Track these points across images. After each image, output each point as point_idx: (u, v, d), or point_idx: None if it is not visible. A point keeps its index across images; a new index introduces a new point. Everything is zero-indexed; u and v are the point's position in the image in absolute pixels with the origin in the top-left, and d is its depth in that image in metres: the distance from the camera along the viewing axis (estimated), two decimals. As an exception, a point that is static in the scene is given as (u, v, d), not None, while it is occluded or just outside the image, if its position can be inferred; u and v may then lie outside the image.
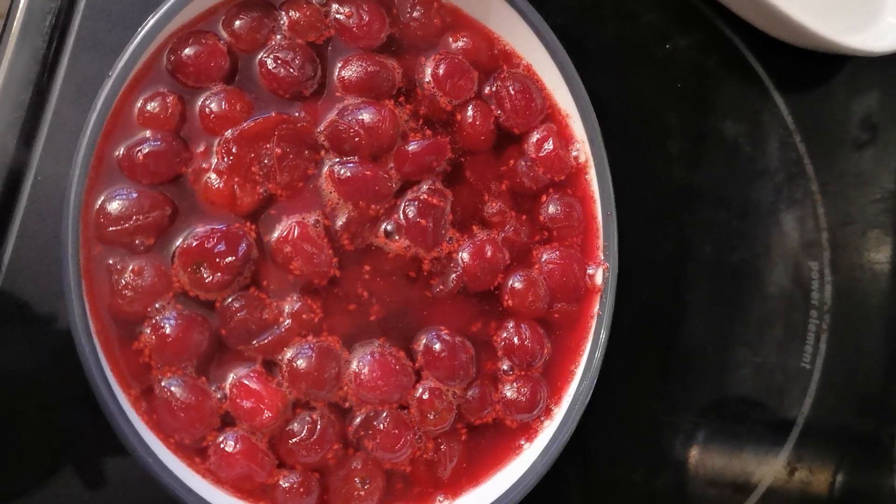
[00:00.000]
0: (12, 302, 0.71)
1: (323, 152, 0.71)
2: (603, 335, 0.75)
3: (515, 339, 0.74)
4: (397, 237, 0.72)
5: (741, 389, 0.94)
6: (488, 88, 0.77)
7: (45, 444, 0.71)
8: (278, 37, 0.71)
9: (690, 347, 0.92)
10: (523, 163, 0.77)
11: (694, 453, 0.91)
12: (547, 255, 0.77)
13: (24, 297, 0.71)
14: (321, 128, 0.71)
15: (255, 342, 0.67)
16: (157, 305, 0.66)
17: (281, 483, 0.67)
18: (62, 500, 0.71)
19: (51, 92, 0.74)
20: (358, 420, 0.69)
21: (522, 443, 0.74)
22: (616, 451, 0.88)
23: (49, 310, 0.71)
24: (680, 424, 0.91)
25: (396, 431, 0.69)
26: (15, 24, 0.74)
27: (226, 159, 0.67)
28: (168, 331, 0.65)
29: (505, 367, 0.75)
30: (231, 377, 0.67)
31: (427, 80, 0.75)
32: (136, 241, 0.65)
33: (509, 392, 0.74)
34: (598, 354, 0.75)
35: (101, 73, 0.65)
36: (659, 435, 0.90)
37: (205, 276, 0.66)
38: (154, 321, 0.65)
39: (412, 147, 0.72)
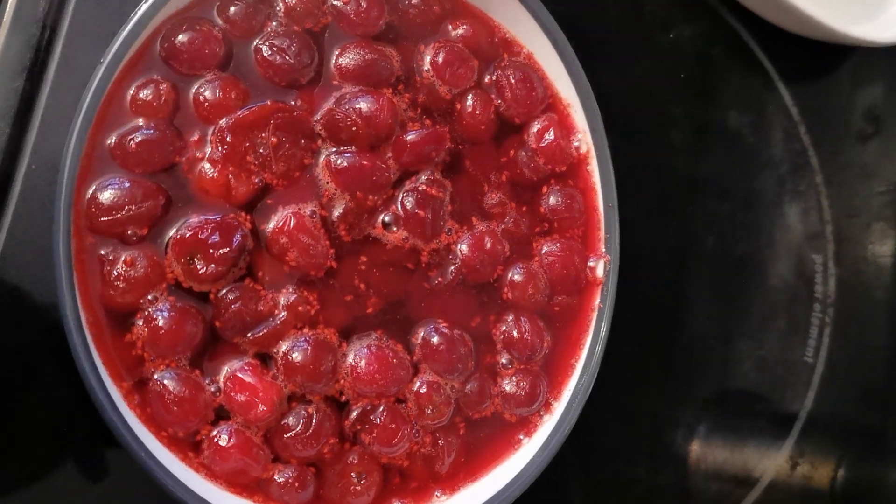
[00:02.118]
0: (6, 293, 0.70)
1: (320, 141, 0.70)
2: (604, 328, 0.75)
3: (515, 333, 0.74)
4: (395, 228, 0.71)
5: (743, 383, 0.94)
6: (488, 77, 0.76)
7: (40, 437, 0.70)
8: (274, 23, 0.70)
9: (692, 340, 0.92)
10: (524, 153, 0.76)
11: (695, 447, 0.90)
12: (547, 247, 0.76)
13: (17, 287, 0.70)
14: (318, 117, 0.70)
15: (249, 335, 0.67)
16: (149, 297, 0.65)
17: (276, 477, 0.66)
18: (57, 494, 0.70)
19: (44, 79, 0.73)
20: (354, 414, 0.69)
21: (521, 437, 0.74)
22: (617, 446, 0.88)
23: (42, 301, 0.70)
24: (681, 418, 0.90)
25: (394, 425, 0.69)
26: (7, 9, 0.73)
27: (220, 148, 0.67)
28: (161, 323, 0.64)
29: (504, 361, 0.74)
30: (225, 370, 0.66)
31: (426, 68, 0.74)
32: (129, 232, 0.65)
33: (508, 386, 0.73)
34: (599, 348, 0.74)
35: (97, 60, 0.64)
36: (660, 429, 0.90)
37: (199, 267, 0.65)
38: (147, 313, 0.64)
39: (411, 137, 0.71)
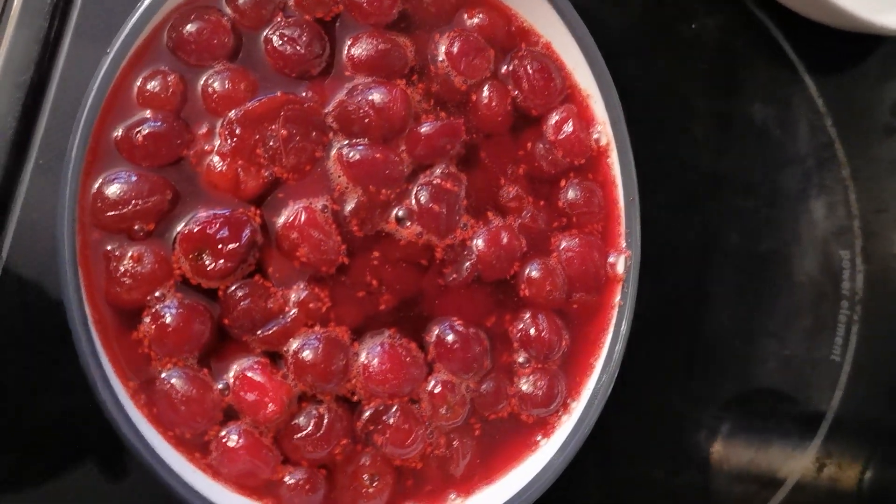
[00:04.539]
0: (13, 289, 0.70)
1: (331, 134, 0.69)
2: (624, 327, 0.73)
3: (532, 331, 0.72)
4: (409, 223, 0.70)
5: (768, 382, 0.93)
6: (505, 67, 0.75)
7: (49, 438, 0.71)
8: (284, 13, 0.69)
9: (715, 339, 0.91)
10: (541, 146, 0.75)
11: (718, 448, 0.89)
12: (566, 243, 0.74)
13: (24, 284, 0.71)
14: (329, 108, 0.69)
15: (259, 332, 0.66)
16: (157, 294, 0.64)
17: (286, 480, 0.66)
18: (64, 496, 0.71)
19: (52, 73, 0.73)
20: (367, 414, 0.68)
21: (539, 439, 0.73)
22: (637, 447, 0.87)
23: (50, 297, 0.70)
24: (704, 419, 0.89)
25: (407, 426, 0.68)
26: (16, 1, 0.72)
27: (229, 141, 0.66)
28: (168, 320, 0.63)
29: (521, 360, 0.73)
30: (234, 369, 0.65)
31: (441, 58, 0.72)
32: (136, 227, 0.64)
33: (525, 386, 0.72)
34: (619, 347, 0.73)
35: (106, 52, 0.64)
36: (682, 430, 0.89)
37: (207, 263, 0.64)
38: (154, 310, 0.64)
39: (425, 129, 0.70)
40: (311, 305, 0.67)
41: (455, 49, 0.72)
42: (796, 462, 0.92)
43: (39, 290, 0.70)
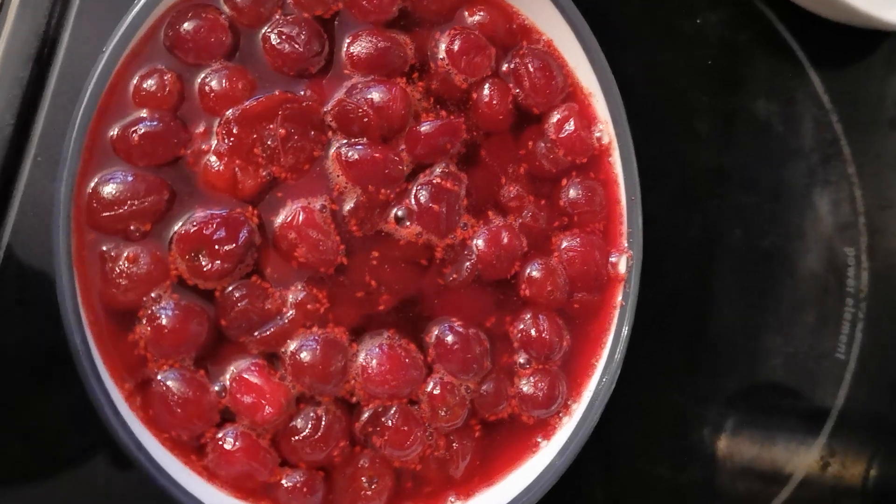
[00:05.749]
0: (11, 288, 0.70)
1: (330, 133, 0.68)
2: (626, 327, 0.73)
3: (533, 331, 0.72)
4: (408, 223, 0.70)
5: (772, 379, 0.92)
6: (506, 66, 0.74)
7: (44, 439, 0.71)
8: (283, 10, 0.69)
9: (718, 336, 0.90)
10: (543, 144, 0.74)
11: (722, 446, 0.89)
12: (567, 242, 0.74)
13: (22, 283, 0.70)
14: (328, 107, 0.68)
15: (256, 334, 0.66)
16: (153, 295, 0.64)
17: (283, 482, 0.66)
18: (68, 492, 0.71)
19: (51, 69, 0.73)
20: (366, 416, 0.68)
21: (539, 440, 0.72)
22: (640, 445, 0.87)
23: (47, 297, 0.69)
24: (707, 416, 0.89)
25: (406, 428, 0.68)
26: (14, -4, 0.72)
27: (226, 140, 0.65)
28: (165, 322, 0.63)
29: (521, 361, 0.72)
30: (231, 371, 0.65)
31: (441, 56, 0.72)
32: (132, 227, 0.64)
33: (526, 386, 0.72)
34: (621, 347, 0.73)
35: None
36: (686, 427, 0.89)
37: (204, 263, 0.64)
38: (150, 311, 0.64)
39: (425, 128, 0.70)
40: (309, 306, 0.66)
41: (455, 47, 0.71)
42: (801, 459, 0.91)
43: (39, 285, 0.70)
